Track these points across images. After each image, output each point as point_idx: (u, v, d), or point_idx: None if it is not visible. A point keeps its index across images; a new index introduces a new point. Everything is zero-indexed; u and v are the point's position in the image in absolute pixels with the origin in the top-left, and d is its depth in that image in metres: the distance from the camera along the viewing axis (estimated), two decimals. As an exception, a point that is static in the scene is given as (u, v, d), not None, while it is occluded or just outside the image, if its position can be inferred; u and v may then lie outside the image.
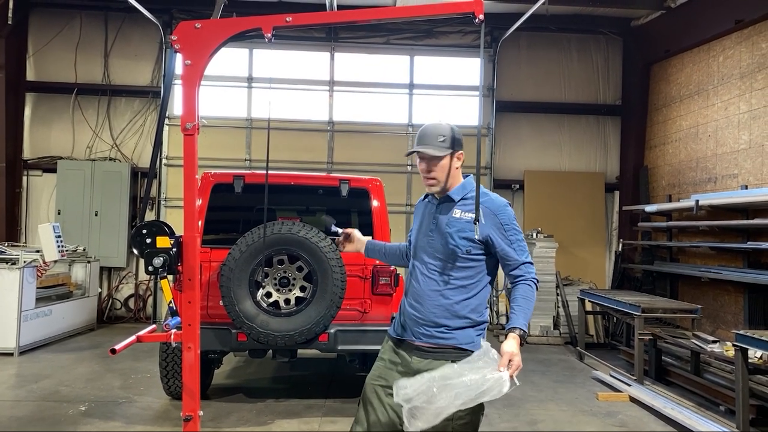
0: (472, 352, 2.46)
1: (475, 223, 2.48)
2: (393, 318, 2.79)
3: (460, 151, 2.63)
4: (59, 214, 9.64)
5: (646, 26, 9.57)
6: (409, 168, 10.12)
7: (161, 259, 2.74)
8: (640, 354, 6.40)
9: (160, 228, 2.79)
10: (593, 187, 10.44)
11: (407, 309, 2.61)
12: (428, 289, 2.56)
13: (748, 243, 6.97)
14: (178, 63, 2.86)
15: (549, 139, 10.55)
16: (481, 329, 2.59)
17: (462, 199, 2.62)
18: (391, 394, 2.44)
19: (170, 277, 2.92)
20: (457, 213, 2.59)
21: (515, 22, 8.95)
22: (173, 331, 2.79)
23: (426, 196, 2.81)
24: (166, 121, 9.96)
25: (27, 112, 10.01)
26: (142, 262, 2.87)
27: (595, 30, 10.31)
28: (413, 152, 2.60)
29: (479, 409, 2.47)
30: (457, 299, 2.54)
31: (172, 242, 2.77)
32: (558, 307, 9.23)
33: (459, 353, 2.49)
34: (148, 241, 2.77)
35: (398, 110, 10.37)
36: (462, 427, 2.46)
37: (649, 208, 8.85)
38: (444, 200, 2.64)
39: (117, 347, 2.61)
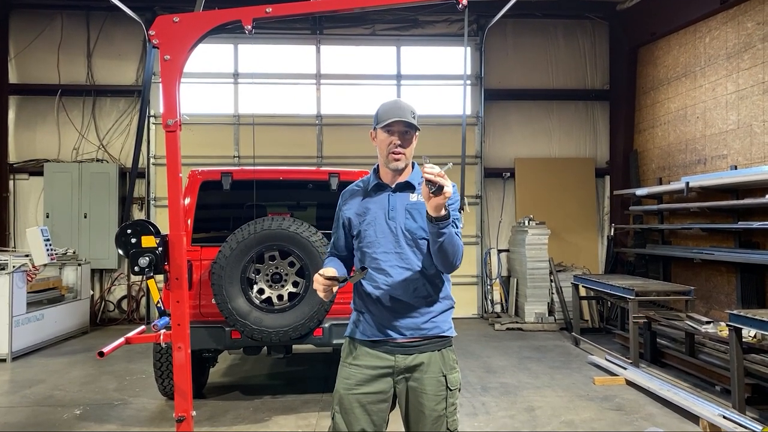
0: (452, 337, 2.48)
1: (460, 211, 2.44)
2: (358, 320, 2.50)
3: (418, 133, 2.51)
4: (48, 217, 9.55)
5: (632, 9, 9.55)
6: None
7: (147, 258, 2.70)
8: (635, 337, 6.42)
9: (145, 227, 2.75)
10: (584, 173, 10.45)
11: (383, 306, 2.41)
12: (405, 279, 2.40)
13: (739, 223, 6.99)
14: (158, 58, 2.81)
15: (538, 126, 10.53)
16: (453, 312, 2.54)
17: (419, 183, 2.47)
18: (375, 402, 2.38)
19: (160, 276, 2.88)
20: (414, 197, 2.47)
21: (501, 9, 8.90)
22: (162, 331, 2.75)
23: (353, 188, 2.59)
24: (152, 119, 9.91)
25: (11, 115, 9.89)
26: (130, 262, 2.83)
27: (580, 15, 10.29)
28: (395, 121, 2.40)
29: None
30: (437, 285, 2.46)
31: (157, 241, 2.73)
32: (552, 293, 9.25)
33: (443, 341, 2.46)
34: (133, 241, 2.73)
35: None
36: (453, 423, 2.43)
37: (640, 191, 8.87)
38: (401, 187, 2.49)
39: (105, 350, 2.57)
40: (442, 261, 2.34)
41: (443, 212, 2.16)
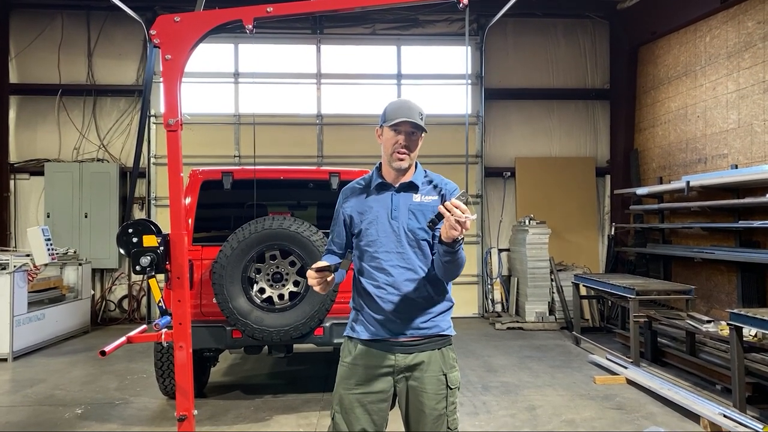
0: (451, 336, 2.50)
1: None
2: (357, 319, 2.50)
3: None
4: (48, 217, 9.55)
5: (632, 8, 9.54)
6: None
7: (148, 258, 2.70)
8: (636, 336, 6.42)
9: (146, 227, 2.75)
10: (584, 172, 10.44)
11: (384, 305, 2.39)
12: (406, 279, 2.40)
13: (740, 222, 6.99)
14: (159, 58, 2.81)
15: (539, 125, 10.53)
16: (452, 311, 2.54)
17: (422, 184, 2.51)
18: (375, 401, 2.39)
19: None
20: (417, 198, 2.47)
21: (501, 8, 8.89)
22: (164, 330, 2.75)
23: (354, 186, 2.59)
24: (153, 119, 9.91)
25: (11, 115, 9.89)
26: (131, 262, 2.83)
27: (581, 14, 10.29)
28: (403, 121, 2.40)
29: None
30: (438, 285, 2.45)
31: (159, 241, 2.73)
32: (553, 292, 9.25)
33: (442, 340, 2.46)
34: (135, 240, 2.73)
35: (387, 101, 10.29)
36: (454, 422, 2.43)
37: (641, 190, 8.86)
38: (405, 187, 2.48)
39: (107, 349, 2.58)
40: (444, 274, 2.37)
41: (454, 238, 2.15)
